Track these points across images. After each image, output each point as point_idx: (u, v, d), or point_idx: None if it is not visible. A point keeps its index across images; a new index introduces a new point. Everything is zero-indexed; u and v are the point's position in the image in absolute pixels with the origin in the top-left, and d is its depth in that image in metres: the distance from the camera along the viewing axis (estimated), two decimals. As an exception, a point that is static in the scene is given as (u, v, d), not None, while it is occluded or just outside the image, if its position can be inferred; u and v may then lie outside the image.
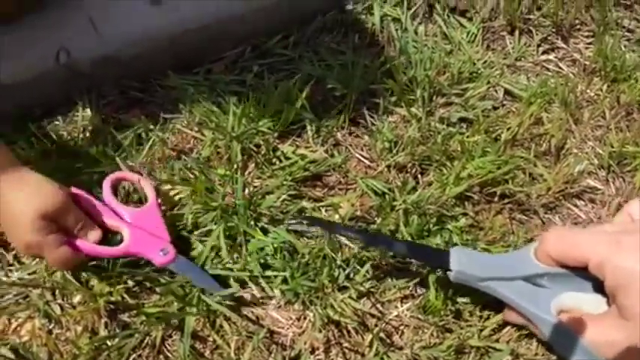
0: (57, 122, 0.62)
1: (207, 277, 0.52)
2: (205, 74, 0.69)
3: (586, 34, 0.79)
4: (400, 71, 0.69)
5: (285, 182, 0.59)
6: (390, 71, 0.70)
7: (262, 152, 0.61)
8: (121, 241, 0.52)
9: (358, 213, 0.59)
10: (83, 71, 0.64)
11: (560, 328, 0.47)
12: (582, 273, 0.47)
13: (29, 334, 0.49)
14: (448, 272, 0.50)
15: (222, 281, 0.53)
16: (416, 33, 0.77)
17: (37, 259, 0.53)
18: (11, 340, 0.49)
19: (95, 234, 0.51)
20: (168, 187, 0.58)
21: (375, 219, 0.59)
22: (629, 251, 0.43)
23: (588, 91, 0.72)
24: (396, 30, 0.76)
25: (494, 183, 0.59)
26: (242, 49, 0.72)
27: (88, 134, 0.62)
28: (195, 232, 0.56)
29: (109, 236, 0.53)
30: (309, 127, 0.64)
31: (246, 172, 0.61)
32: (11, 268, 0.53)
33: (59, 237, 0.49)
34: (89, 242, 0.51)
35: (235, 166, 0.59)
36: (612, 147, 0.65)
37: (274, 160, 0.62)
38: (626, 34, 0.79)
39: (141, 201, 0.57)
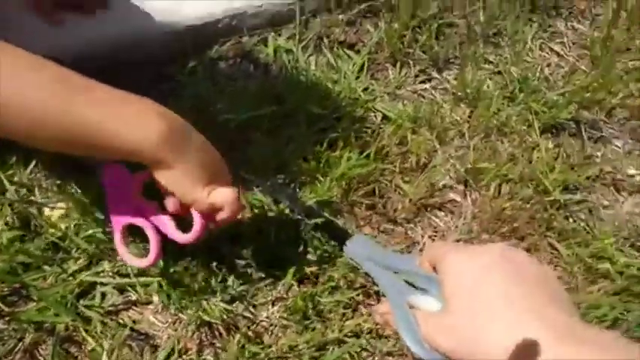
0: None
1: None
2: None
3: (457, 66, 0.89)
4: (288, 95, 0.76)
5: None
6: (277, 97, 0.77)
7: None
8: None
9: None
10: None
11: (405, 315, 0.52)
12: None
13: None
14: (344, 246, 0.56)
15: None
16: (306, 64, 0.84)
17: None
18: None
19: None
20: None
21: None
22: (458, 252, 0.48)
23: (454, 115, 0.81)
24: (288, 61, 0.83)
25: (359, 186, 0.66)
26: (139, 75, 0.76)
27: None
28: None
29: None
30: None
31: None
32: None
33: None
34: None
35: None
36: (470, 164, 0.73)
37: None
38: (491, 68, 0.89)
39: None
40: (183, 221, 0.52)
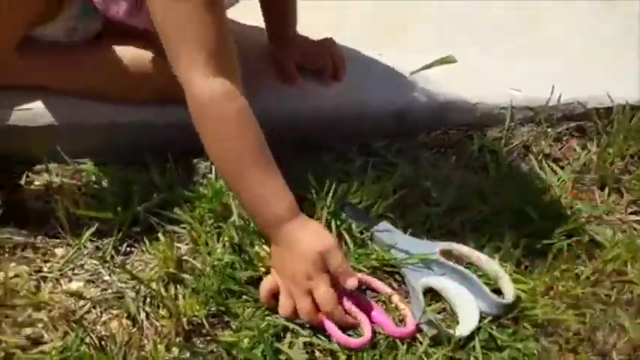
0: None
1: None
2: (315, 158, 0.77)
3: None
4: (491, 194, 0.74)
5: (364, 267, 0.63)
6: (481, 193, 0.76)
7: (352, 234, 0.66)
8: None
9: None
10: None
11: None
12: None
13: (115, 329, 0.54)
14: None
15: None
16: (509, 169, 0.83)
17: (143, 267, 0.59)
18: (98, 331, 0.54)
19: (353, 281, 0.56)
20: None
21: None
22: None
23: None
24: (491, 162, 0.83)
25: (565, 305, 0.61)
26: (351, 146, 0.81)
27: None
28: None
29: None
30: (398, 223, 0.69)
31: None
32: (116, 269, 0.59)
33: (328, 277, 0.56)
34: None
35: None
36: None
37: (361, 242, 0.66)
38: None
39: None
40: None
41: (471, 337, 0.57)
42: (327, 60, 0.81)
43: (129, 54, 0.67)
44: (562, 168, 0.85)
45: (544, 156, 0.87)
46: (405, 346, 0.56)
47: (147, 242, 0.61)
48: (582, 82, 0.92)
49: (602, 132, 0.89)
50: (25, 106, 0.68)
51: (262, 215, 0.58)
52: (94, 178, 0.68)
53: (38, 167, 0.68)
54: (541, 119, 0.88)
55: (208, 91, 0.55)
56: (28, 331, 0.52)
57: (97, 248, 0.61)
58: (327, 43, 0.83)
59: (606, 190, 0.82)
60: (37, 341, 0.52)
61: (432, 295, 0.62)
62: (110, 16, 0.63)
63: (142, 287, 0.56)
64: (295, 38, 0.84)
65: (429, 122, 0.85)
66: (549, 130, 0.89)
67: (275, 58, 0.83)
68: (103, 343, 0.52)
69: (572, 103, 0.90)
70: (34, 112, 0.69)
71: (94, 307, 0.55)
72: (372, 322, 0.57)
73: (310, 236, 0.57)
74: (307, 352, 0.56)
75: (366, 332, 0.55)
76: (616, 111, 0.90)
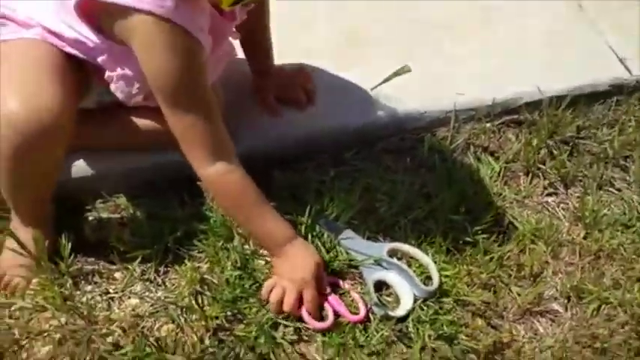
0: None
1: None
2: (297, 171, 0.99)
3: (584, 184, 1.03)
4: (434, 192, 0.97)
5: (334, 267, 0.87)
6: (426, 195, 0.98)
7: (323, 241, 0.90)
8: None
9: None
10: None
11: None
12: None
13: (166, 332, 0.80)
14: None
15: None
16: (453, 165, 1.03)
17: (177, 284, 0.84)
18: (154, 334, 0.80)
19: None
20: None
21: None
22: None
23: (571, 233, 0.96)
24: (438, 160, 1.03)
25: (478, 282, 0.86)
26: (326, 157, 1.02)
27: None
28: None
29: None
30: (360, 227, 0.93)
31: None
32: (159, 287, 0.84)
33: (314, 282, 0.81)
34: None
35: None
36: (576, 283, 0.89)
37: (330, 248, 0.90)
38: (615, 192, 1.02)
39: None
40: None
41: (408, 316, 0.83)
42: (300, 94, 1.00)
43: (141, 119, 0.87)
44: (497, 159, 1.06)
45: (483, 149, 1.07)
46: (362, 326, 0.83)
47: (177, 266, 0.86)
48: (518, 79, 1.10)
49: (532, 123, 1.08)
50: (72, 162, 0.90)
51: (268, 244, 0.83)
52: (131, 210, 0.92)
53: (89, 206, 0.92)
54: (481, 117, 1.07)
55: (214, 173, 0.78)
56: (110, 339, 0.79)
57: (143, 272, 0.86)
58: (302, 79, 1.01)
59: (529, 176, 1.04)
60: (117, 345, 0.79)
61: (384, 285, 0.87)
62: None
63: (179, 301, 0.82)
64: (273, 71, 1.01)
65: (388, 131, 1.05)
66: (488, 124, 1.08)
67: (257, 91, 1.01)
68: (159, 342, 0.79)
69: (509, 99, 1.09)
70: (78, 167, 0.91)
71: (149, 317, 0.81)
72: (335, 312, 0.83)
73: (305, 254, 0.82)
74: (297, 334, 0.83)
75: (330, 318, 0.81)
76: (544, 103, 1.08)
